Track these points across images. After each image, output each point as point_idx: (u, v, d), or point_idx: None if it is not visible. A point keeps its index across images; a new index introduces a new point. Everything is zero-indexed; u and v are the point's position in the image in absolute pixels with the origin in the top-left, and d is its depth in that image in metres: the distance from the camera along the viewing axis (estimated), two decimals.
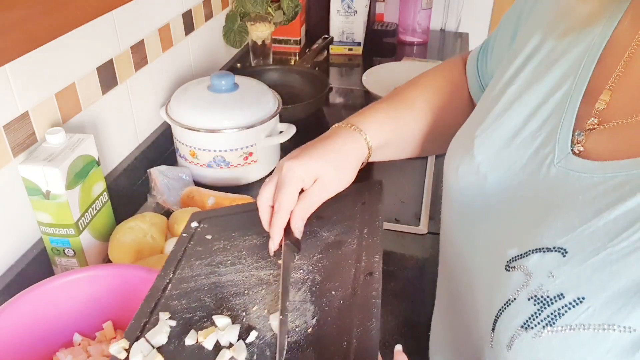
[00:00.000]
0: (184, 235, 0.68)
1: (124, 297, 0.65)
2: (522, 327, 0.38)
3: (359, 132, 0.60)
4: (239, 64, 1.45)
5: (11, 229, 0.74)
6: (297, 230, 0.56)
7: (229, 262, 0.60)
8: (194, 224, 0.69)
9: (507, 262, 0.41)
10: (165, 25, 1.07)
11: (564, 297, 0.36)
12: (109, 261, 0.79)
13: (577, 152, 0.42)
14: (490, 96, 0.52)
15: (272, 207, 0.57)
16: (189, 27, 1.18)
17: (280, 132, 1.00)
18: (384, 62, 1.38)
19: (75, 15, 0.72)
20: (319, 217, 0.62)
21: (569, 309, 0.36)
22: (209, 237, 0.66)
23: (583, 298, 0.35)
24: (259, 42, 1.40)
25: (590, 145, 0.42)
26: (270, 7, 1.44)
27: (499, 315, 0.40)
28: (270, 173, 1.01)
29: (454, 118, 0.66)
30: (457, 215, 0.53)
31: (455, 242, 0.53)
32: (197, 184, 0.97)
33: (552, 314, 0.36)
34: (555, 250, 0.38)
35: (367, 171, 1.05)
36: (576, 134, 0.43)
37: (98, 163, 0.76)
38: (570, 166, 0.41)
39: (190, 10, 1.18)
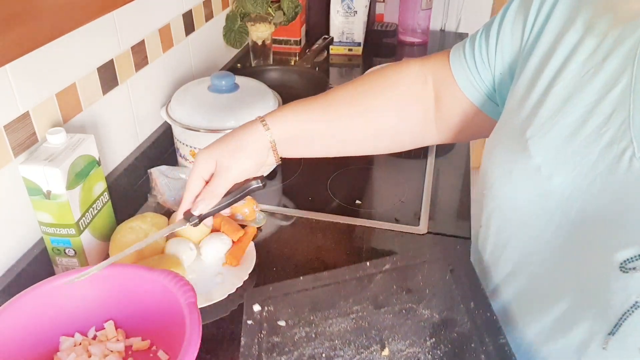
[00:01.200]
0: (249, 322, 0.61)
1: (125, 297, 0.65)
2: None
3: (264, 125, 0.65)
4: (239, 64, 1.46)
5: (12, 229, 0.74)
6: (197, 209, 0.64)
7: (323, 355, 0.54)
8: (257, 307, 0.64)
9: (621, 263, 0.40)
10: (165, 26, 1.07)
11: None
12: None
13: None
14: (530, 97, 0.52)
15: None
16: (189, 27, 1.18)
17: None
18: (384, 63, 1.38)
19: (75, 16, 0.73)
20: (408, 291, 0.60)
21: None
22: (282, 323, 0.61)
23: None
24: (259, 43, 1.40)
25: None
26: (270, 7, 1.44)
27: (625, 319, 0.40)
28: (271, 173, 1.02)
29: (398, 119, 0.68)
30: (514, 223, 0.51)
31: (517, 250, 0.52)
32: None
33: None
34: None
35: (366, 177, 1.05)
36: None
37: (99, 163, 0.76)
38: None
39: (190, 10, 1.18)
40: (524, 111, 0.52)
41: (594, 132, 0.45)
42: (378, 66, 0.71)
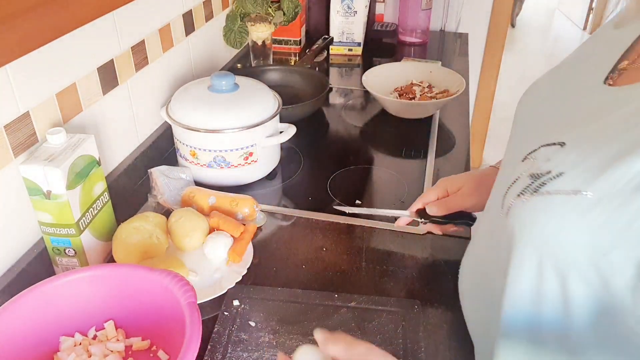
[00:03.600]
0: (226, 313, 0.70)
1: (125, 296, 0.65)
2: (517, 195, 0.49)
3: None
4: (239, 65, 1.46)
5: (12, 228, 0.74)
6: (430, 212, 0.78)
7: None
8: (236, 302, 0.72)
9: (524, 156, 0.52)
10: (165, 26, 1.07)
11: (550, 172, 0.47)
12: (110, 260, 0.79)
13: (608, 84, 0.52)
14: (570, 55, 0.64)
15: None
16: (189, 27, 1.18)
17: (281, 132, 1.00)
18: (384, 63, 1.38)
19: (75, 15, 0.73)
20: (363, 332, 0.67)
21: (551, 180, 0.46)
22: (252, 323, 0.69)
23: (563, 172, 0.45)
24: (259, 43, 1.41)
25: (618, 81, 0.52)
26: (270, 7, 1.44)
27: (507, 191, 0.51)
28: (271, 173, 1.02)
29: None
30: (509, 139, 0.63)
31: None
32: (198, 183, 0.97)
33: (539, 184, 0.47)
34: (557, 144, 0.48)
35: (366, 177, 1.05)
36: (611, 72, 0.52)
37: (99, 163, 0.76)
38: (595, 90, 0.52)
39: (190, 10, 1.18)
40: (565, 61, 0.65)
41: (591, 69, 0.55)
42: None
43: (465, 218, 0.79)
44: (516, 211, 0.48)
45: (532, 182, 0.47)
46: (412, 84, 1.30)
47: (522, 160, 0.51)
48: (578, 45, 0.67)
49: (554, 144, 0.49)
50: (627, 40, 0.54)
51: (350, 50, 1.62)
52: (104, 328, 0.66)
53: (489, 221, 0.61)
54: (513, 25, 4.93)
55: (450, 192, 0.78)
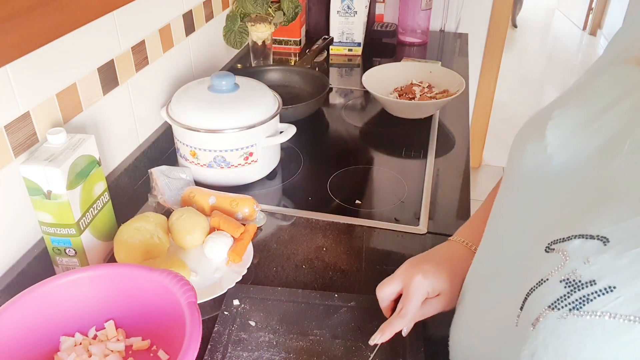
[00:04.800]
0: (226, 313, 0.71)
1: (126, 296, 0.65)
2: (549, 307, 0.39)
3: (474, 249, 0.66)
4: (239, 65, 1.46)
5: (12, 228, 0.74)
6: (405, 331, 0.64)
7: None
8: (236, 302, 0.72)
9: (548, 244, 0.42)
10: (166, 26, 1.07)
11: (595, 283, 0.36)
12: (110, 260, 0.79)
13: None
14: (574, 85, 0.54)
15: (393, 301, 0.66)
16: (189, 27, 1.18)
17: (281, 132, 1.00)
18: (384, 63, 1.38)
19: (75, 15, 0.72)
20: (363, 332, 0.67)
21: (598, 295, 0.36)
22: (252, 323, 0.69)
23: (614, 287, 0.35)
24: (259, 43, 1.41)
25: None
26: (270, 7, 1.44)
27: (530, 294, 0.41)
28: (271, 173, 1.02)
29: None
30: (512, 194, 0.53)
31: (502, 221, 0.54)
32: (198, 183, 0.97)
33: (580, 298, 0.37)
34: (598, 239, 0.38)
35: (366, 177, 1.05)
36: None
37: (99, 163, 0.76)
38: (635, 159, 0.41)
39: (190, 10, 1.18)
40: (561, 98, 0.53)
41: (604, 126, 0.45)
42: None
43: None
44: (549, 328, 0.38)
45: (570, 293, 0.38)
46: (412, 84, 1.30)
47: (546, 251, 0.41)
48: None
49: (592, 237, 0.38)
50: None
51: (350, 50, 1.62)
52: (104, 328, 0.66)
53: (489, 308, 0.51)
54: (515, 26, 4.93)
55: (429, 297, 0.65)
